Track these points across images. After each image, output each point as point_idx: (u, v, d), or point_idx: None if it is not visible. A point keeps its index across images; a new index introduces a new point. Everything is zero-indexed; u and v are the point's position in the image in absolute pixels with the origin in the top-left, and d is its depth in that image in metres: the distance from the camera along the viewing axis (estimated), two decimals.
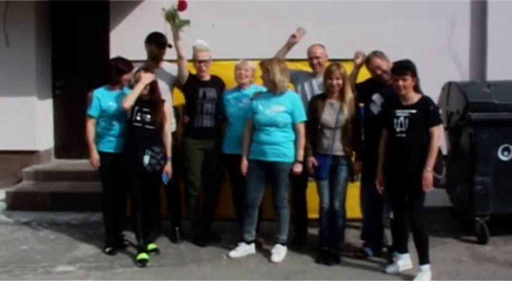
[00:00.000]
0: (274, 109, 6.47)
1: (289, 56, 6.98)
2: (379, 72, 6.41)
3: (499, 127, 6.89)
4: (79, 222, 8.03)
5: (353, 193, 6.69)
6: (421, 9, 9.22)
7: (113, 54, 8.37)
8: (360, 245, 6.78)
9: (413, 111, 5.80)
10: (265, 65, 6.53)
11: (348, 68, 6.51)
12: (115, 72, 6.65)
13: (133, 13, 9.45)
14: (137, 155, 6.38)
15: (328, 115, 6.36)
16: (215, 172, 7.04)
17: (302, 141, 6.49)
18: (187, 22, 6.73)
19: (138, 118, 6.42)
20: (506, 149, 6.92)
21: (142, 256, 6.49)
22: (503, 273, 6.19)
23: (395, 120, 5.85)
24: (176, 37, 6.80)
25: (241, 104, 6.81)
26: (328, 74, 6.35)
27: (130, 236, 7.01)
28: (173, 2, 6.76)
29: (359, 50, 6.64)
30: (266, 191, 6.68)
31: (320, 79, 6.63)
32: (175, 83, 7.11)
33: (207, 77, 7.01)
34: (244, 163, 6.61)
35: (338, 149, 6.38)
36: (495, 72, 8.75)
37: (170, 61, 7.16)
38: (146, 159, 6.37)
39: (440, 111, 6.96)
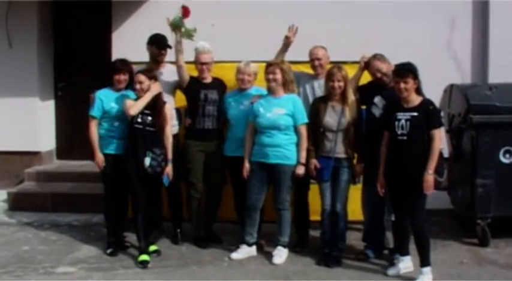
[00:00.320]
0: (275, 112, 6.47)
1: (291, 58, 6.97)
2: (379, 75, 6.42)
3: (501, 130, 6.89)
4: (80, 223, 8.04)
5: (355, 195, 6.69)
6: (422, 10, 9.22)
7: (115, 55, 8.42)
8: (362, 247, 6.77)
9: (415, 113, 5.81)
10: (280, 66, 6.51)
11: (349, 70, 6.51)
12: (111, 71, 6.67)
13: (135, 14, 9.46)
14: (138, 157, 6.38)
15: (330, 118, 6.36)
16: (217, 174, 7.04)
17: (304, 143, 6.49)
18: (194, 30, 6.76)
19: (139, 120, 6.42)
20: (507, 151, 6.92)
21: (144, 257, 6.50)
22: (504, 275, 6.19)
23: (396, 123, 5.85)
24: (180, 47, 6.80)
25: (242, 106, 6.81)
26: (330, 76, 6.35)
27: (131, 237, 7.00)
28: (176, 11, 6.79)
29: (365, 54, 6.64)
30: (268, 193, 6.68)
31: (321, 81, 6.63)
32: (178, 85, 7.11)
33: (208, 79, 7.01)
34: (246, 166, 6.61)
35: (340, 151, 6.38)
36: (497, 74, 8.73)
37: (172, 63, 7.18)
38: (147, 161, 6.38)
39: (442, 113, 6.97)
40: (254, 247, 6.76)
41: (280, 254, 6.59)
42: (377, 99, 6.41)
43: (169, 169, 6.59)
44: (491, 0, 9.27)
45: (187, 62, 7.08)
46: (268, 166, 6.49)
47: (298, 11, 8.93)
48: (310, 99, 6.77)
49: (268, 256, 6.64)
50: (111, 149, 6.65)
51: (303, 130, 6.49)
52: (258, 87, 6.83)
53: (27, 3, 9.22)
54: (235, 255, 6.68)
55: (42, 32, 9.61)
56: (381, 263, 6.49)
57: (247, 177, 6.61)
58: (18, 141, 9.45)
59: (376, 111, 6.38)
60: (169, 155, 6.61)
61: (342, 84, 6.30)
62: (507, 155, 6.92)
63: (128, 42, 8.91)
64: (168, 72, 7.06)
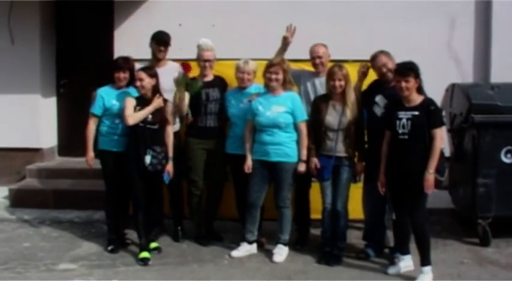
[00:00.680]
0: (274, 110, 6.47)
1: (292, 56, 6.97)
2: (384, 70, 6.41)
3: (502, 129, 6.89)
4: (82, 220, 8.04)
5: (355, 194, 6.69)
6: (424, 9, 9.21)
7: (117, 53, 8.42)
8: (362, 246, 6.78)
9: (416, 113, 5.80)
10: (282, 66, 6.51)
11: (350, 69, 6.50)
12: (112, 68, 6.68)
13: (137, 12, 9.46)
14: (139, 155, 6.39)
15: (331, 117, 6.36)
16: (218, 171, 7.05)
17: (304, 140, 6.49)
18: (199, 86, 6.82)
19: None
20: (509, 151, 6.91)
21: (144, 254, 6.51)
22: (504, 275, 6.19)
23: (397, 122, 5.85)
24: (182, 105, 6.85)
25: (242, 104, 6.80)
26: (331, 75, 6.34)
27: (132, 234, 7.01)
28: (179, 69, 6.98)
29: (364, 63, 6.64)
30: (269, 191, 6.69)
31: (323, 79, 6.62)
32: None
33: (210, 77, 7.01)
34: (249, 163, 6.61)
35: (341, 150, 6.38)
36: (499, 74, 8.73)
37: (175, 60, 7.19)
38: (147, 159, 6.38)
39: (444, 113, 6.96)
40: (255, 245, 6.77)
41: (281, 252, 6.60)
42: (378, 98, 6.41)
43: (169, 167, 6.60)
44: (493, 0, 9.25)
45: (190, 60, 7.09)
46: (269, 163, 6.50)
47: (299, 9, 8.94)
48: (312, 97, 6.77)
49: (269, 254, 6.64)
50: (112, 147, 6.66)
51: (303, 127, 6.50)
52: (258, 84, 6.80)
53: (30, 3, 9.22)
54: (235, 253, 6.68)
55: (44, 30, 9.61)
56: (381, 262, 6.49)
57: (249, 174, 6.61)
58: (19, 138, 9.46)
59: (378, 111, 6.38)
60: (170, 153, 6.62)
61: (342, 83, 6.30)
62: (508, 155, 6.92)
63: (130, 41, 8.94)
64: (169, 70, 7.04)
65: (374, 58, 6.49)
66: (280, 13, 8.91)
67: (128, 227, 7.09)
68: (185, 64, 6.96)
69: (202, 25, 8.98)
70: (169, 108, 6.66)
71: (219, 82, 7.06)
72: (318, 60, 6.78)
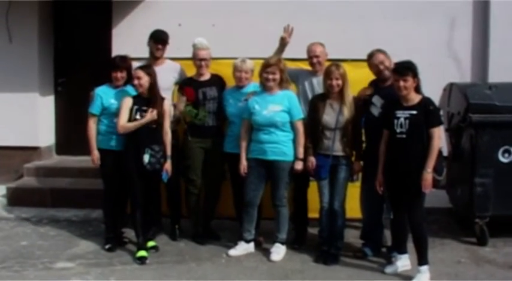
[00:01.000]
0: (271, 109, 6.46)
1: (289, 55, 6.98)
2: (381, 67, 6.42)
3: (500, 129, 6.89)
4: (79, 219, 8.04)
5: (353, 193, 6.69)
6: (422, 9, 9.20)
7: (115, 52, 8.42)
8: (359, 245, 6.78)
9: (414, 112, 5.81)
10: (279, 66, 6.50)
11: (348, 68, 6.49)
12: (109, 67, 6.68)
13: (135, 12, 9.45)
14: (137, 154, 6.39)
15: (329, 116, 6.36)
16: (215, 170, 7.05)
17: (301, 138, 6.49)
18: (205, 114, 6.88)
19: (138, 117, 6.43)
20: (506, 151, 6.91)
21: (142, 253, 6.51)
22: (501, 275, 6.19)
23: (395, 121, 5.85)
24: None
25: (240, 103, 6.79)
26: (328, 74, 6.35)
27: (130, 233, 7.01)
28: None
29: (366, 90, 6.62)
30: (266, 190, 6.69)
31: (320, 78, 6.61)
32: (176, 82, 7.13)
33: (206, 76, 7.01)
34: (243, 164, 6.62)
35: (338, 149, 6.38)
36: (497, 74, 8.73)
37: (173, 59, 7.18)
38: (146, 158, 6.39)
39: (441, 112, 6.98)
40: (252, 244, 6.77)
41: (278, 251, 6.60)
42: (375, 99, 6.41)
43: (168, 165, 6.60)
44: (491, 0, 9.24)
45: (186, 59, 7.09)
46: (265, 162, 6.50)
47: (298, 9, 8.96)
48: (309, 96, 6.77)
49: (266, 253, 6.65)
50: (110, 145, 6.66)
51: (300, 126, 6.50)
52: (256, 83, 6.79)
53: (28, 2, 9.21)
54: (233, 252, 6.68)
55: (42, 29, 9.60)
56: (378, 261, 6.50)
57: (245, 174, 6.61)
58: (17, 136, 9.46)
59: (375, 111, 6.38)
60: (168, 152, 6.62)
61: (339, 82, 6.30)
62: (506, 155, 6.92)
63: (128, 40, 8.94)
64: (167, 69, 7.06)
65: (371, 56, 6.51)
66: (279, 13, 8.92)
67: (126, 226, 7.10)
68: (188, 92, 6.94)
69: (200, 25, 8.97)
70: (167, 107, 6.65)
71: (217, 81, 7.06)
72: (315, 60, 6.77)
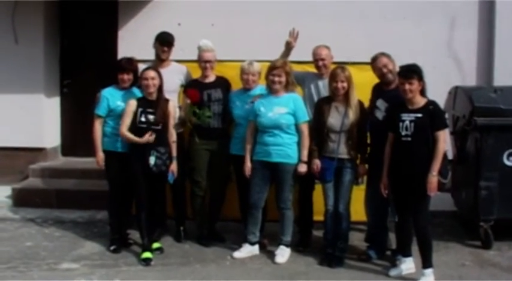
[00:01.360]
0: (276, 111, 6.47)
1: (295, 58, 7.00)
2: (385, 70, 6.42)
3: (505, 132, 6.89)
4: (84, 220, 8.06)
5: (358, 196, 6.70)
6: (427, 10, 9.20)
7: (121, 53, 8.42)
8: (364, 248, 6.79)
9: (419, 115, 5.81)
10: (285, 69, 6.51)
11: (353, 71, 6.48)
12: (116, 69, 6.70)
13: (142, 13, 9.46)
14: (143, 156, 6.41)
15: (334, 119, 6.37)
16: (221, 172, 7.06)
17: (306, 141, 6.50)
18: (208, 115, 6.85)
19: (143, 119, 6.44)
20: (511, 154, 6.91)
21: (147, 254, 6.52)
22: (506, 278, 6.20)
23: (400, 124, 5.86)
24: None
25: (247, 105, 6.79)
26: (333, 77, 6.36)
27: (135, 234, 7.02)
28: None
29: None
30: (271, 192, 6.69)
31: (326, 80, 6.60)
32: (182, 84, 7.14)
33: (211, 78, 7.02)
34: (248, 166, 6.63)
35: (343, 152, 6.38)
36: (502, 77, 8.73)
37: (178, 61, 7.20)
38: (152, 160, 6.40)
39: (447, 115, 6.97)
40: (257, 246, 6.77)
41: (283, 254, 6.61)
42: (379, 103, 6.42)
43: (173, 166, 6.62)
44: (497, 1, 9.23)
45: (191, 61, 7.10)
46: (270, 164, 6.50)
47: (299, 10, 8.96)
48: (315, 98, 6.77)
49: (271, 255, 6.66)
50: (116, 147, 6.67)
51: (304, 128, 6.51)
52: (262, 86, 6.80)
53: (34, 3, 9.23)
54: (237, 254, 6.69)
55: (48, 30, 9.62)
56: (383, 264, 6.50)
57: (250, 175, 6.62)
58: (23, 137, 9.46)
59: (379, 115, 6.39)
60: (174, 152, 6.63)
61: (345, 85, 6.31)
62: (511, 158, 6.92)
63: (134, 41, 8.95)
64: (173, 71, 7.07)
65: (375, 59, 6.52)
66: (280, 14, 8.96)
67: (131, 227, 7.09)
68: (191, 94, 6.95)
69: (205, 26, 9.01)
70: (172, 108, 6.66)
71: (222, 83, 7.06)
72: (320, 63, 6.78)
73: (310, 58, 6.90)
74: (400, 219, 6.09)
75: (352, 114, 6.33)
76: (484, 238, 7.01)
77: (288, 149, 6.47)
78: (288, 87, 6.58)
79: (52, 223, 7.90)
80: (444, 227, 7.63)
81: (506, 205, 6.93)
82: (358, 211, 6.81)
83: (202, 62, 6.96)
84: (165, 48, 7.06)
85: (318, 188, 6.76)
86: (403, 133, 5.85)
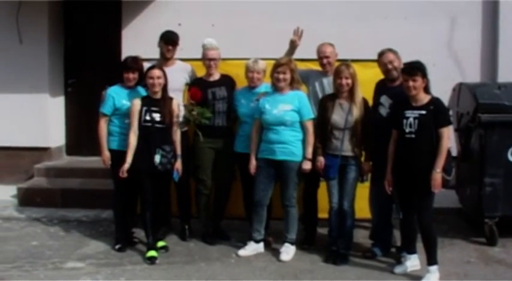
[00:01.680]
0: (281, 108, 6.48)
1: (299, 56, 6.99)
2: (390, 66, 6.42)
3: (509, 129, 6.88)
4: (89, 219, 8.08)
5: (362, 193, 6.69)
6: (431, 9, 9.19)
7: (125, 52, 8.44)
8: (369, 245, 6.79)
9: (423, 112, 5.81)
10: (289, 66, 6.52)
11: (357, 69, 6.47)
12: (121, 68, 6.71)
13: (145, 12, 9.49)
14: (148, 154, 6.42)
15: (338, 116, 6.37)
16: (225, 170, 7.06)
17: (310, 138, 6.50)
18: (209, 116, 6.81)
19: (148, 118, 6.45)
20: None
21: (152, 253, 6.53)
22: (511, 275, 6.18)
23: (404, 121, 5.86)
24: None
25: (252, 103, 6.79)
26: (337, 73, 6.36)
27: (140, 233, 7.04)
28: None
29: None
30: (275, 190, 6.70)
31: (330, 78, 6.61)
32: (186, 82, 7.15)
33: (216, 76, 7.03)
34: (253, 163, 6.64)
35: (347, 149, 6.39)
36: (506, 74, 8.71)
37: (183, 60, 7.21)
38: (157, 158, 6.41)
39: (451, 112, 6.97)
40: (261, 244, 6.78)
41: (288, 251, 6.61)
42: (383, 99, 6.42)
43: (178, 164, 6.63)
44: (501, 0, 9.23)
45: (195, 60, 7.11)
46: (275, 162, 6.51)
47: (300, 9, 8.96)
48: (320, 96, 6.76)
49: (276, 253, 6.66)
50: (121, 146, 6.66)
51: (309, 125, 6.51)
52: (267, 84, 6.80)
53: (38, 3, 9.26)
54: (242, 252, 6.70)
55: (52, 30, 9.65)
56: (388, 261, 6.50)
57: (254, 174, 6.63)
58: (28, 137, 9.50)
59: (383, 111, 6.39)
60: (178, 151, 6.64)
61: (349, 81, 6.31)
62: None
63: (137, 40, 8.98)
64: (178, 70, 7.08)
65: (381, 54, 6.51)
66: (280, 13, 9.00)
67: (136, 226, 7.12)
68: (193, 91, 6.94)
69: (208, 25, 9.03)
70: (175, 107, 6.67)
71: (226, 81, 7.07)
72: (325, 60, 6.79)
73: (313, 56, 6.91)
74: (405, 216, 6.09)
75: (356, 112, 6.33)
76: (489, 235, 7.01)
77: (292, 146, 6.48)
78: (293, 84, 6.59)
79: (57, 222, 7.92)
80: (449, 224, 7.62)
81: (510, 201, 6.92)
82: (362, 208, 6.81)
83: (206, 60, 6.96)
84: (170, 47, 7.07)
85: (323, 186, 6.76)
86: (407, 130, 5.85)
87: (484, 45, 9.38)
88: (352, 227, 6.55)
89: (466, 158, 7.31)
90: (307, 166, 6.49)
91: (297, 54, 6.98)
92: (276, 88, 6.58)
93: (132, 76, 6.67)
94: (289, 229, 6.65)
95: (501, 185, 6.91)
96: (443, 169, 5.78)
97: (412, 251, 6.20)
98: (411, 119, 5.83)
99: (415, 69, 5.85)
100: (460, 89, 7.61)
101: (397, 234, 6.61)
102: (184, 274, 6.20)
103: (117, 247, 6.83)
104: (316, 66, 7.01)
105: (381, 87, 6.58)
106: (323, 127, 6.45)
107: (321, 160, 6.43)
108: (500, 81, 8.56)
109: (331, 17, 9.10)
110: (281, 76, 6.51)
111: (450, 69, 8.99)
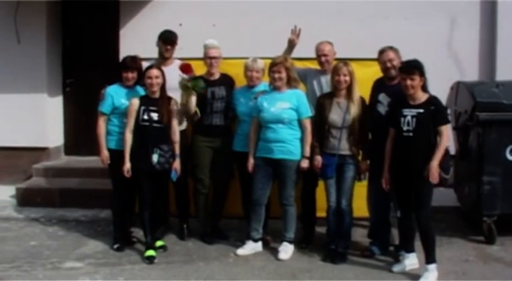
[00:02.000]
0: (279, 106, 6.48)
1: (297, 54, 7.00)
2: (389, 65, 6.40)
3: (507, 127, 6.88)
4: (88, 219, 8.08)
5: (360, 192, 6.70)
6: (429, 8, 9.19)
7: (123, 52, 8.45)
8: (367, 244, 6.78)
9: (421, 110, 5.81)
10: (284, 64, 6.52)
11: (355, 67, 6.48)
12: (120, 68, 6.71)
13: (143, 12, 9.49)
14: (146, 153, 6.42)
15: (335, 114, 6.37)
16: (224, 169, 7.06)
17: (308, 137, 6.50)
18: (200, 83, 6.75)
19: (145, 117, 6.45)
20: None
21: (150, 253, 6.54)
22: (509, 273, 6.19)
23: (402, 119, 5.86)
24: (189, 100, 6.83)
25: (251, 102, 6.79)
26: (336, 71, 6.36)
27: (138, 233, 7.04)
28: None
29: None
30: (274, 189, 6.70)
31: (329, 76, 6.60)
32: None
33: (216, 76, 7.03)
34: (251, 162, 6.64)
35: (345, 148, 6.39)
36: (504, 73, 8.71)
37: (182, 59, 7.21)
38: (155, 158, 6.42)
39: (449, 111, 6.97)
40: (260, 243, 6.78)
41: (286, 250, 6.61)
42: (381, 97, 6.42)
43: (177, 164, 6.62)
44: (499, 0, 9.23)
45: (196, 59, 7.11)
46: (272, 161, 6.51)
47: (299, 8, 8.96)
48: (318, 94, 6.77)
49: (274, 252, 6.66)
50: (120, 145, 6.65)
51: (307, 124, 6.51)
52: (266, 83, 6.80)
53: (36, 2, 9.25)
54: (241, 251, 6.70)
55: (50, 29, 9.64)
56: (386, 259, 6.50)
57: (252, 173, 6.63)
58: (26, 137, 9.50)
59: (382, 109, 6.39)
60: (177, 150, 6.64)
61: (347, 78, 6.31)
62: None
63: (135, 40, 8.99)
64: (176, 69, 7.05)
65: (382, 52, 6.49)
66: (281, 13, 8.98)
67: (134, 225, 7.12)
68: (184, 65, 6.87)
69: (206, 25, 9.02)
70: (174, 107, 6.67)
71: (226, 80, 7.08)
72: (323, 58, 6.79)
73: (312, 55, 6.91)
74: (403, 215, 6.10)
75: (354, 110, 6.33)
76: (487, 233, 7.01)
77: (290, 145, 6.48)
78: (290, 83, 6.59)
79: (56, 222, 7.92)
80: (447, 222, 7.62)
81: (509, 199, 6.92)
82: (360, 207, 6.81)
83: (207, 58, 6.97)
84: (168, 47, 7.07)
85: (321, 185, 6.75)
86: (405, 128, 5.85)
87: (482, 45, 9.39)
88: (350, 226, 6.56)
89: (464, 157, 7.31)
90: (305, 164, 6.49)
91: (295, 53, 7.00)
92: (274, 87, 6.59)
93: (131, 75, 6.67)
94: (288, 228, 6.65)
95: (499, 184, 6.90)
96: (441, 167, 5.78)
97: (410, 249, 6.20)
98: (409, 118, 5.83)
99: (413, 67, 5.86)
100: (458, 87, 7.62)
101: (395, 233, 6.62)
102: (182, 273, 6.20)
103: (115, 246, 6.83)
104: (314, 65, 7.01)
105: (379, 85, 6.57)
106: (320, 126, 6.45)
107: (319, 159, 6.43)
108: (498, 79, 8.58)
109: (331, 18, 9.09)
110: (276, 75, 6.51)
111: (449, 68, 8.99)
